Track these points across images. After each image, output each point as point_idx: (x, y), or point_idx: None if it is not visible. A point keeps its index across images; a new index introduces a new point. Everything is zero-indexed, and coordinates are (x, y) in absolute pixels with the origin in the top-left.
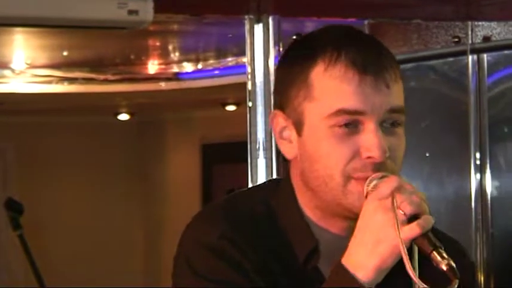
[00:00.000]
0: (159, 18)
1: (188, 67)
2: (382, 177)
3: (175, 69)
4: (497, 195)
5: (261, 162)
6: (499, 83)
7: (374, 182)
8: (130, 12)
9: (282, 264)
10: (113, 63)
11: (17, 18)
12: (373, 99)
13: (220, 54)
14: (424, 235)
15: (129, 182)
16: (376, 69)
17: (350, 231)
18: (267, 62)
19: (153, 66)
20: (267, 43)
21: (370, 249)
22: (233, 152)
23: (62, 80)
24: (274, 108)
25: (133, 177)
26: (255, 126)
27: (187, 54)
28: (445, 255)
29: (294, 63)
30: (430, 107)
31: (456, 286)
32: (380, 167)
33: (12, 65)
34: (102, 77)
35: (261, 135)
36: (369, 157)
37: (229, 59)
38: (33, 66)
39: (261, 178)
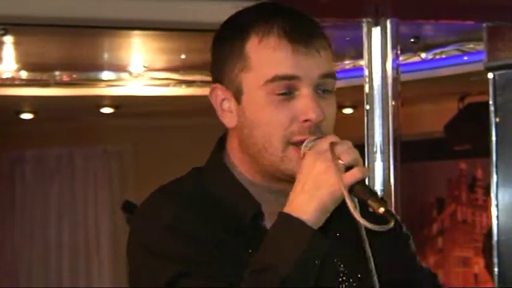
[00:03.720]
0: None
1: None
2: (317, 139)
3: None
4: None
5: (378, 166)
6: None
7: (311, 144)
8: None
9: (232, 232)
10: None
11: (135, 21)
12: (305, 65)
13: (338, 57)
14: (360, 183)
15: None
16: (306, 37)
17: (290, 188)
18: (385, 65)
19: None
20: (385, 46)
21: (310, 195)
22: None
23: (180, 82)
24: (213, 83)
25: None
26: (373, 129)
27: None
28: (380, 200)
29: (227, 39)
30: None
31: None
32: (316, 130)
33: (130, 68)
34: None
35: (378, 138)
36: (305, 120)
37: (346, 62)
38: (150, 69)
39: (378, 181)
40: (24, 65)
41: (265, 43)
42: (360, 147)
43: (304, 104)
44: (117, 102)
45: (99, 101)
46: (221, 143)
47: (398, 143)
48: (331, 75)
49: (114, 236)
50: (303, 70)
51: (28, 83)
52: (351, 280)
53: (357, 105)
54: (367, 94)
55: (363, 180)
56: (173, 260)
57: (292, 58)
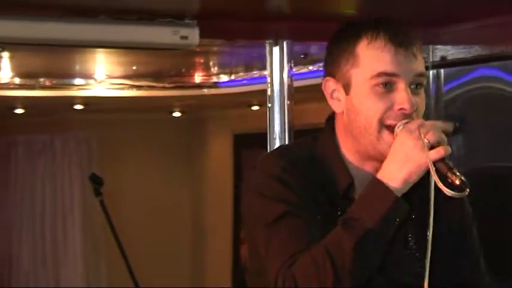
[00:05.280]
0: (203, 41)
1: (224, 78)
2: (408, 122)
3: (214, 79)
4: None
5: None
6: (452, 90)
7: (402, 126)
8: (182, 37)
9: (327, 196)
10: (169, 75)
11: (99, 42)
12: (405, 66)
13: (248, 68)
14: (442, 159)
15: (179, 164)
16: (406, 43)
17: (379, 169)
18: (282, 74)
19: (198, 77)
20: (282, 61)
21: (400, 165)
22: (257, 141)
23: (132, 87)
24: (325, 76)
25: (183, 161)
26: (273, 121)
27: (224, 68)
28: (457, 173)
29: (342, 41)
30: None
31: (466, 194)
32: (408, 118)
33: (95, 76)
34: (161, 85)
35: (277, 128)
36: (400, 109)
37: (255, 72)
38: (110, 77)
39: None
40: (17, 73)
41: (373, 45)
42: (263, 135)
43: (401, 96)
44: (86, 101)
45: (72, 100)
46: (330, 121)
47: (292, 131)
48: (423, 74)
49: (84, 202)
50: (402, 69)
51: (20, 87)
52: (417, 254)
53: (262, 104)
54: (269, 96)
55: (444, 157)
56: (279, 201)
57: (394, 59)
